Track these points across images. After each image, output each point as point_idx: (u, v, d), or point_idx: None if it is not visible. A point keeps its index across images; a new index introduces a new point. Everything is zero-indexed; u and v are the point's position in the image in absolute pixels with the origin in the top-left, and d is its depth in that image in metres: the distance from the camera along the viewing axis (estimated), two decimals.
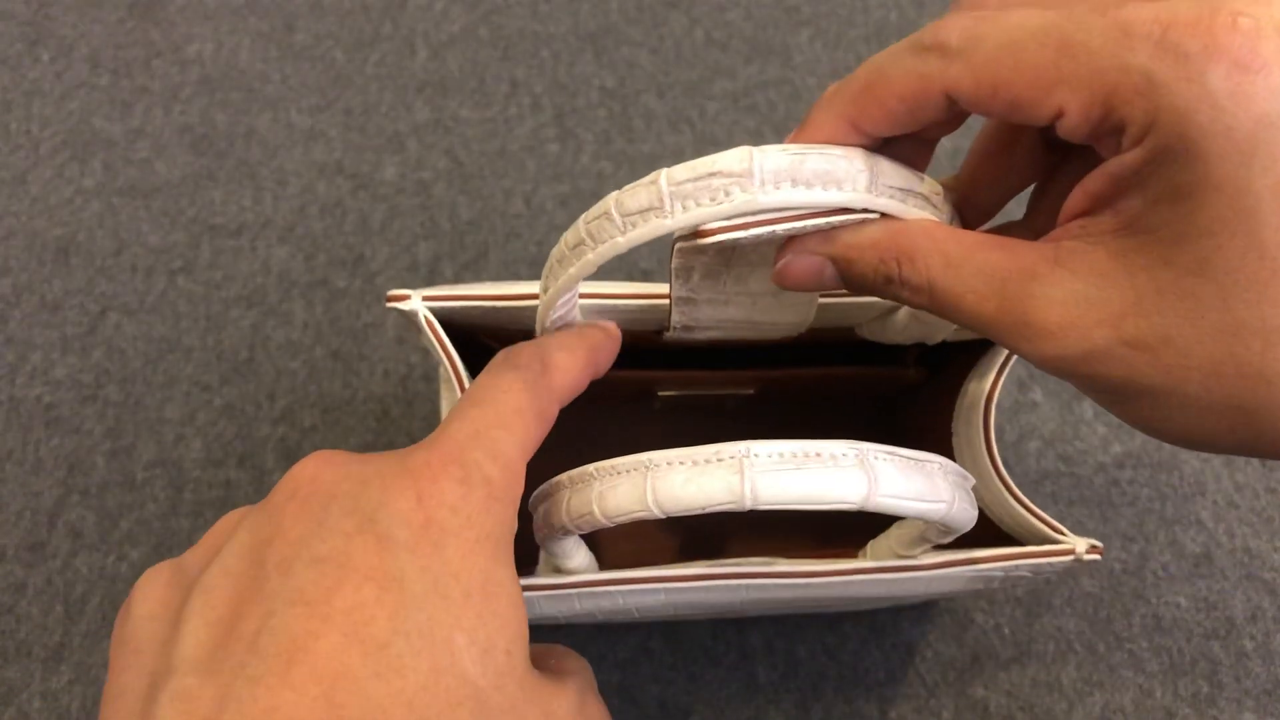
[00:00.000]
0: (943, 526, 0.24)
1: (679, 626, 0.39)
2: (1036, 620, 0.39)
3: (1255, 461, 0.43)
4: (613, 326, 0.28)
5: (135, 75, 0.56)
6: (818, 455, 0.21)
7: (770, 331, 0.29)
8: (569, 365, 0.25)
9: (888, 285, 0.22)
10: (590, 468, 0.23)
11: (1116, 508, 0.42)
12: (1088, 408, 0.45)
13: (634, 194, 0.22)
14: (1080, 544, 0.28)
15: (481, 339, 0.35)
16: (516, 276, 0.49)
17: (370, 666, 0.17)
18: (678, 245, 0.25)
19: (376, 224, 0.50)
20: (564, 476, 0.24)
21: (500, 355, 0.25)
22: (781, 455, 0.21)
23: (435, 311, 0.30)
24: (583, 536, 0.27)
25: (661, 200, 0.21)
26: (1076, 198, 0.19)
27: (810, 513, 0.24)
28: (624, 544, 0.39)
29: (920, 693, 0.38)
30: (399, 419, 0.45)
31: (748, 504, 0.21)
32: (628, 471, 0.22)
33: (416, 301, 0.30)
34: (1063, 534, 0.29)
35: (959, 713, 0.37)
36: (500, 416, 0.21)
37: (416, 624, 0.18)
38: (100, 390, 0.45)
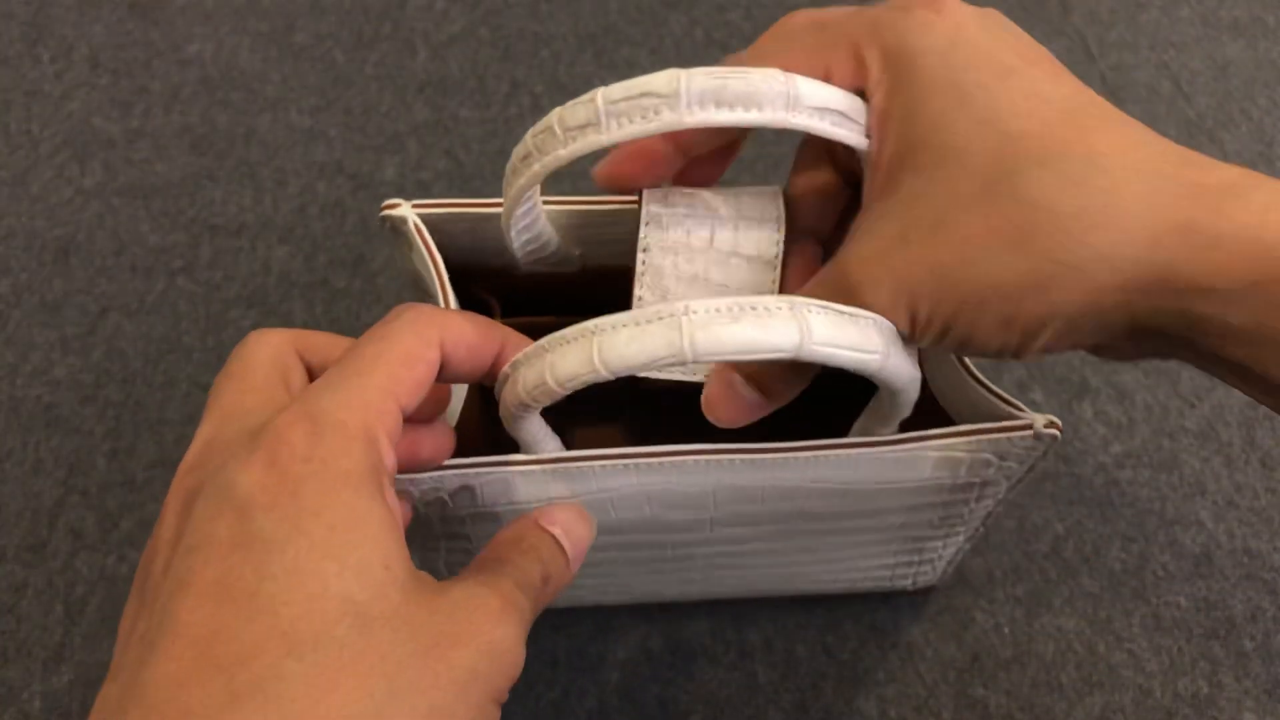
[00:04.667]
0: (884, 382, 0.25)
1: (679, 626, 0.39)
2: (1036, 620, 0.39)
3: (1255, 461, 0.43)
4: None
5: (135, 75, 0.56)
6: (753, 309, 0.22)
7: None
8: (458, 320, 0.24)
9: None
10: (541, 341, 0.24)
11: (1116, 508, 0.42)
12: (1088, 407, 0.45)
13: (574, 111, 0.24)
14: (1038, 420, 0.28)
15: (475, 290, 0.35)
16: None
17: (242, 615, 0.19)
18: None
19: (376, 224, 0.50)
20: (520, 355, 0.24)
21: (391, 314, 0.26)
22: (719, 310, 0.22)
23: (426, 220, 0.31)
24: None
25: (598, 117, 0.24)
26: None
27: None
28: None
29: (920, 692, 0.38)
30: None
31: (688, 356, 0.22)
32: (575, 339, 0.23)
33: (406, 209, 0.31)
34: (1020, 410, 0.29)
35: (958, 713, 0.37)
36: (357, 364, 0.22)
37: (282, 565, 0.19)
38: (100, 390, 0.45)
